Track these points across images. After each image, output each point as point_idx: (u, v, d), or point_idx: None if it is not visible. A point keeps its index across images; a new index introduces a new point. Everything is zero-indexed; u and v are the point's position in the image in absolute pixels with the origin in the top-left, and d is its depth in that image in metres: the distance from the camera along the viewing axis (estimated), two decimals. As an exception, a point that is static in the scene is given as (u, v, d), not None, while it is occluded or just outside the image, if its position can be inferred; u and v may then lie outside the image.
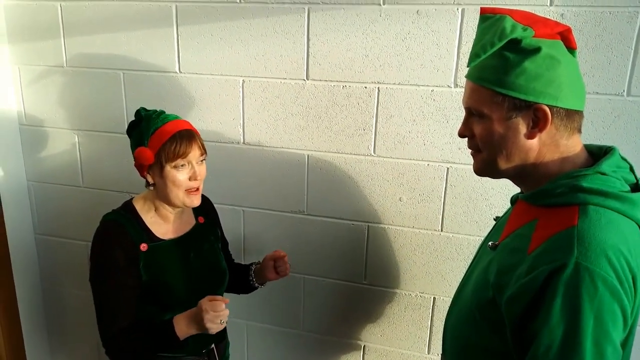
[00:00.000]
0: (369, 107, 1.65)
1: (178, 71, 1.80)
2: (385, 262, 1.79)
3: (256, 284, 1.62)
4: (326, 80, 1.67)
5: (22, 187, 2.12)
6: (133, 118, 1.42)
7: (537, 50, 0.89)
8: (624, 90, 1.44)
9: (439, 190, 1.66)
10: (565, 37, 0.95)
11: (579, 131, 0.95)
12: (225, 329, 1.57)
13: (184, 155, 1.33)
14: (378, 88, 1.63)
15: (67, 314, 2.29)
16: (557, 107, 0.89)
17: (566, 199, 0.88)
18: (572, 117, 0.92)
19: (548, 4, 1.43)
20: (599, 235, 0.82)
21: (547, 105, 0.89)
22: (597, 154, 0.97)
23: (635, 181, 0.93)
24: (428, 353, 1.83)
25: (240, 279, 1.62)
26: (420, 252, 1.74)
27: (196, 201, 1.39)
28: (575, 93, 0.91)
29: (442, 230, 1.70)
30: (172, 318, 1.33)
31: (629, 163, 0.96)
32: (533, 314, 0.83)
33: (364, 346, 1.91)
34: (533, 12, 1.42)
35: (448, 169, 1.64)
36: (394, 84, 1.61)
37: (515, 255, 0.91)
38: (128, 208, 1.42)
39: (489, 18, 0.94)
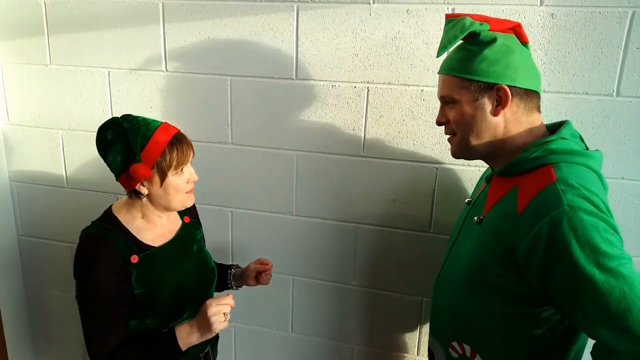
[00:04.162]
0: (358, 107, 1.64)
1: (165, 70, 1.78)
2: (374, 263, 1.78)
3: (234, 287, 1.61)
4: (315, 80, 1.65)
5: (4, 188, 2.08)
6: (118, 117, 1.30)
7: (493, 40, 1.08)
8: (613, 91, 1.44)
9: (429, 190, 1.66)
10: (517, 32, 1.12)
11: (538, 110, 1.12)
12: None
13: (187, 161, 1.32)
14: (367, 88, 1.62)
15: (51, 317, 2.25)
16: (516, 86, 1.06)
17: (540, 161, 1.03)
18: (530, 96, 1.09)
19: (538, 4, 1.43)
20: (575, 182, 0.97)
21: (507, 86, 1.05)
22: (552, 128, 1.14)
23: (585, 147, 1.11)
24: (417, 355, 1.83)
25: (218, 279, 1.58)
26: (410, 253, 1.73)
27: (192, 200, 1.39)
28: (530, 76, 1.09)
29: (431, 231, 1.69)
30: (173, 329, 1.28)
31: (579, 133, 1.13)
32: (552, 260, 0.95)
33: (353, 348, 1.90)
34: (523, 12, 1.44)
35: (437, 169, 1.63)
36: (384, 83, 1.60)
37: (507, 219, 1.04)
38: (110, 219, 1.33)
39: (452, 20, 1.11)
